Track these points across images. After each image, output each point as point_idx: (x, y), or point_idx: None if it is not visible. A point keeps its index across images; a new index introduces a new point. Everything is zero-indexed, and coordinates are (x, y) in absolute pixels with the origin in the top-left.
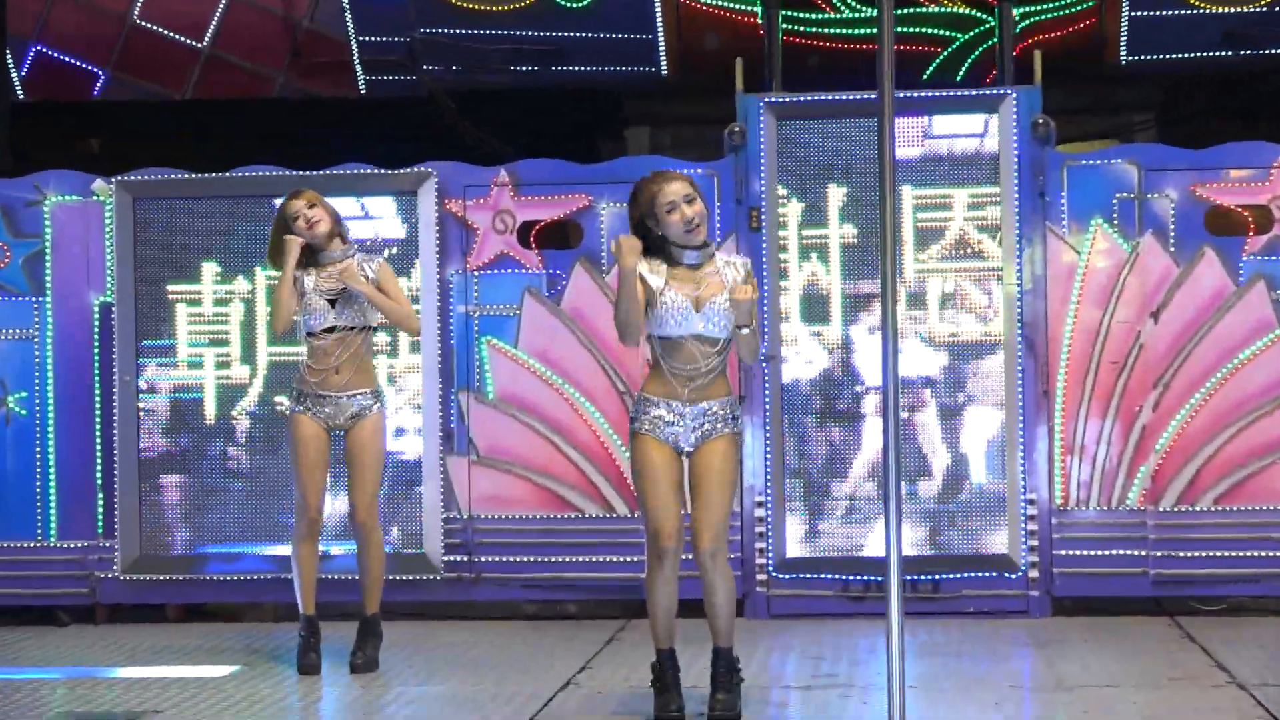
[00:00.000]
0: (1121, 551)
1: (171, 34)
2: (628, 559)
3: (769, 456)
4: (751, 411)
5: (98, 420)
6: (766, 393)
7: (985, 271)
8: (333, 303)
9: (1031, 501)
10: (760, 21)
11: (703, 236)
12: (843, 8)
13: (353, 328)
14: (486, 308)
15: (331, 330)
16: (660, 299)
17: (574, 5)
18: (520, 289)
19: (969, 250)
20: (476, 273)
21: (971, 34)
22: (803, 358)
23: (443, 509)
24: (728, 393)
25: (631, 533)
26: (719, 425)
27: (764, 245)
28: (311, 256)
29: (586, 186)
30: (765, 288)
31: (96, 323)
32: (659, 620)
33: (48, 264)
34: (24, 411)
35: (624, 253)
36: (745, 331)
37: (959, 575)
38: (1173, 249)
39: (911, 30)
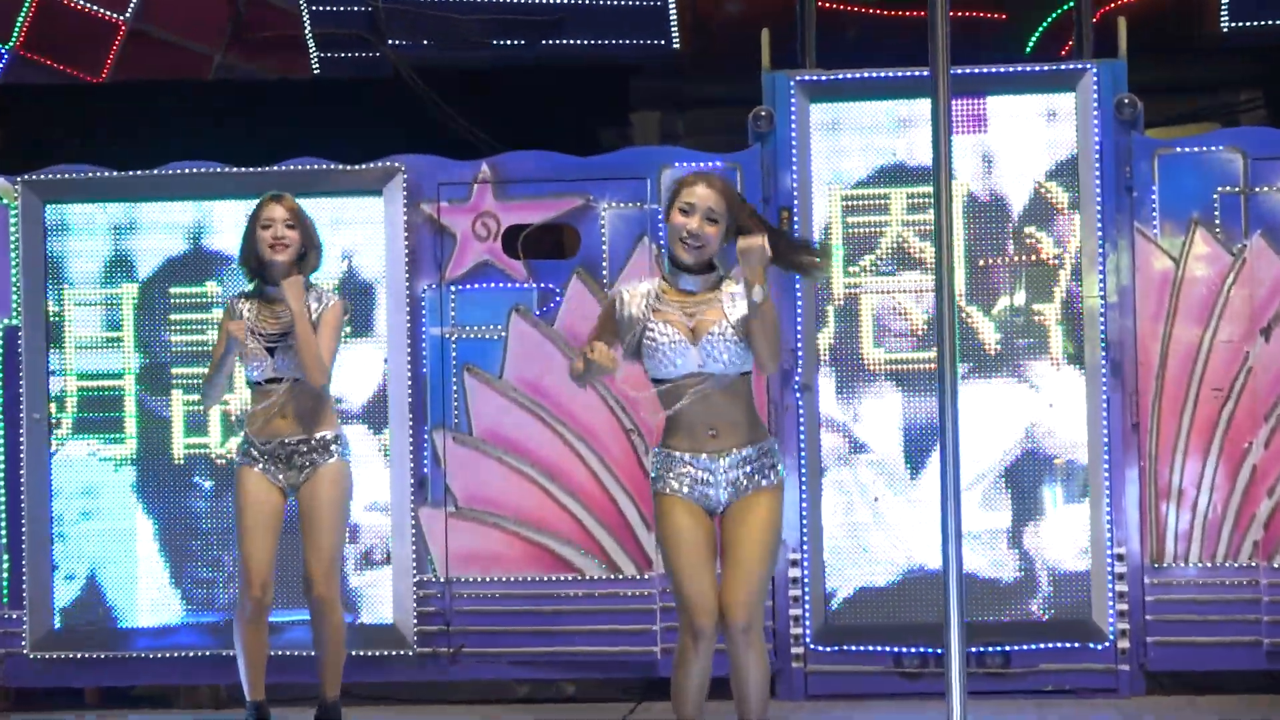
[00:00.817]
0: (1229, 616)
1: (88, 5)
2: (638, 628)
3: (805, 505)
4: (783, 450)
5: (1, 466)
6: (801, 428)
7: (1057, 282)
8: (272, 350)
9: (1120, 557)
10: None
11: (698, 258)
12: None
13: (295, 378)
14: (466, 329)
15: (277, 380)
16: (648, 334)
17: None
18: (506, 307)
19: (1034, 259)
20: (454, 287)
21: None
22: (847, 383)
23: (415, 571)
24: (762, 435)
25: (642, 598)
26: (755, 477)
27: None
28: (260, 285)
29: (584, 183)
30: (798, 304)
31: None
32: (688, 702)
33: None
34: None
35: (593, 357)
36: (759, 297)
37: (1034, 646)
38: None
39: None
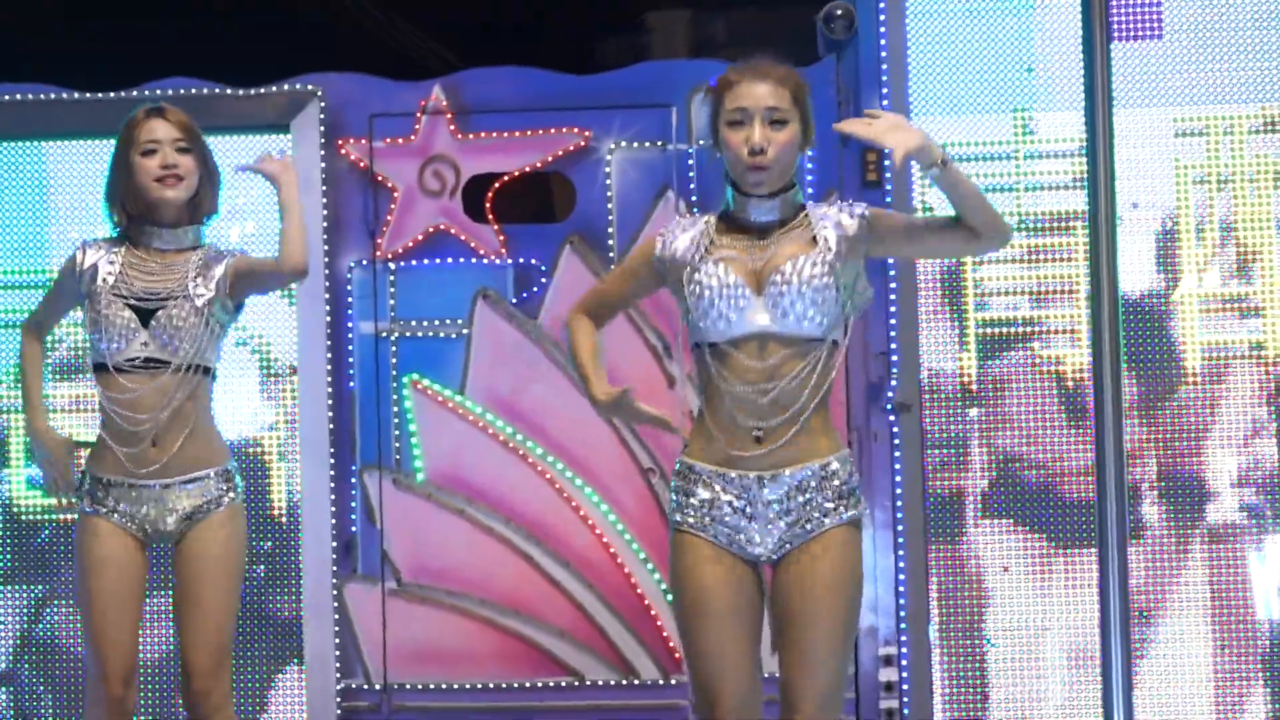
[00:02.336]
0: None
1: None
2: None
3: (902, 579)
4: (872, 498)
5: None
6: (897, 467)
7: None
8: (146, 316)
9: None
10: None
11: (771, 180)
12: None
13: (182, 368)
14: (411, 325)
15: (147, 365)
16: (694, 277)
17: None
18: (469, 292)
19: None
20: (394, 265)
21: None
22: (959, 403)
23: (338, 674)
24: (834, 446)
25: (666, 711)
26: (823, 509)
27: (888, 209)
28: (136, 229)
29: (581, 114)
30: (891, 290)
31: None
32: None
33: None
34: None
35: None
36: (937, 171)
37: None
38: None
39: None
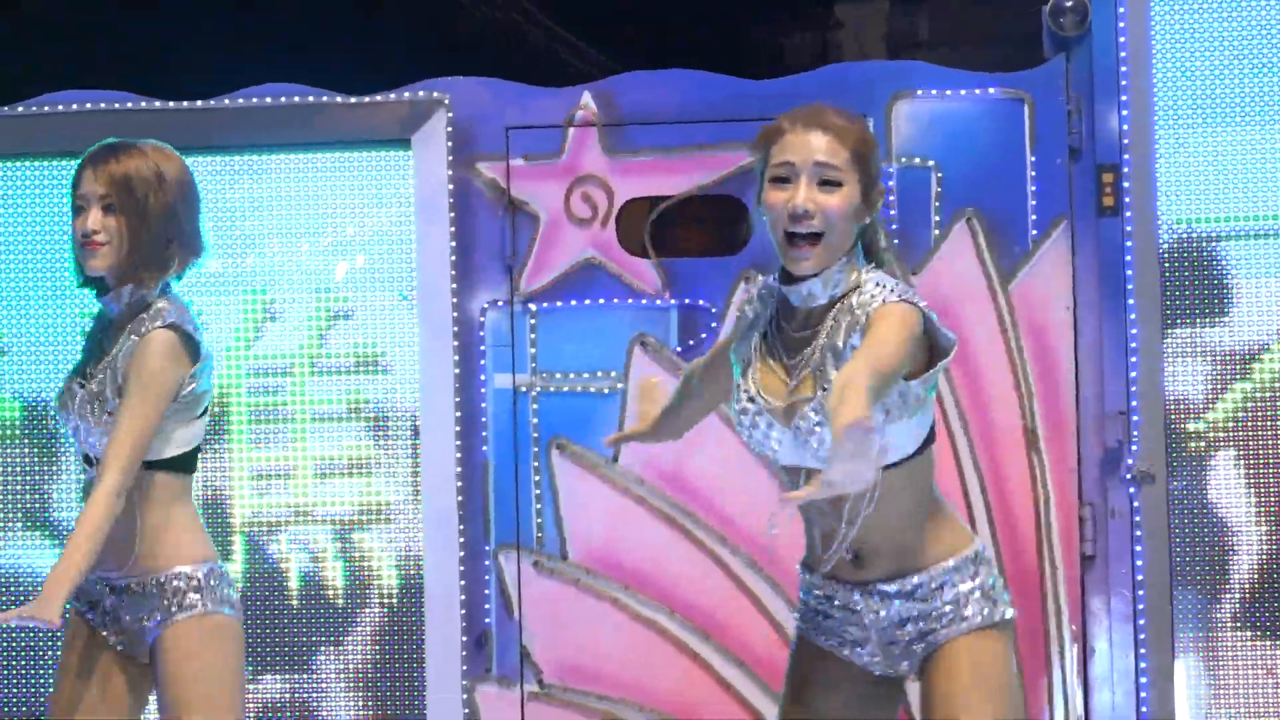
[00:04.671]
0: None
1: None
2: None
3: (1144, 678)
4: (1109, 586)
5: None
6: (1138, 550)
7: None
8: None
9: None
10: None
11: (818, 257)
12: None
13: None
14: (555, 378)
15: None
16: (738, 389)
17: None
18: (625, 338)
19: None
20: (534, 306)
21: None
22: (1217, 472)
23: None
24: (947, 549)
25: None
26: (945, 618)
27: (1128, 243)
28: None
29: (758, 126)
30: (1132, 330)
31: None
32: None
33: None
34: None
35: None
36: (835, 476)
37: None
38: None
39: None
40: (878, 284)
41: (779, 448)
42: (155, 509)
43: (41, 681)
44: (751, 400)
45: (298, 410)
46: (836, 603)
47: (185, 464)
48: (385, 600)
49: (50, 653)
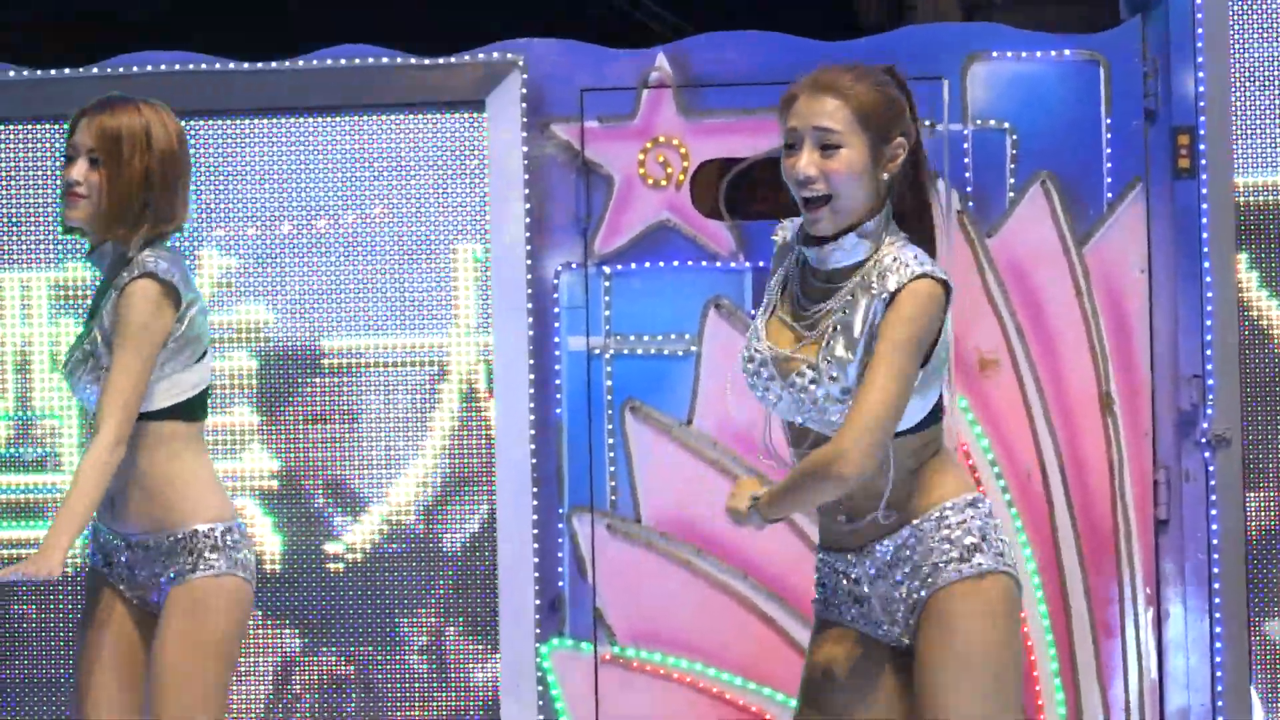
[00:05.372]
0: None
1: None
2: None
3: (1219, 643)
4: (1184, 549)
5: None
6: (1213, 514)
7: None
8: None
9: None
10: None
11: (835, 218)
12: None
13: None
14: (629, 341)
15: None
16: (751, 333)
17: None
18: (699, 301)
19: None
20: (609, 268)
21: None
22: None
23: None
24: (939, 498)
25: None
26: (935, 566)
27: (1203, 206)
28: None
29: None
30: (1206, 291)
31: None
32: None
33: None
34: None
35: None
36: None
37: None
38: None
39: None
40: (896, 258)
41: (775, 401)
42: (166, 461)
43: (40, 684)
44: (757, 349)
45: (370, 372)
46: (840, 572)
47: (191, 411)
48: (459, 563)
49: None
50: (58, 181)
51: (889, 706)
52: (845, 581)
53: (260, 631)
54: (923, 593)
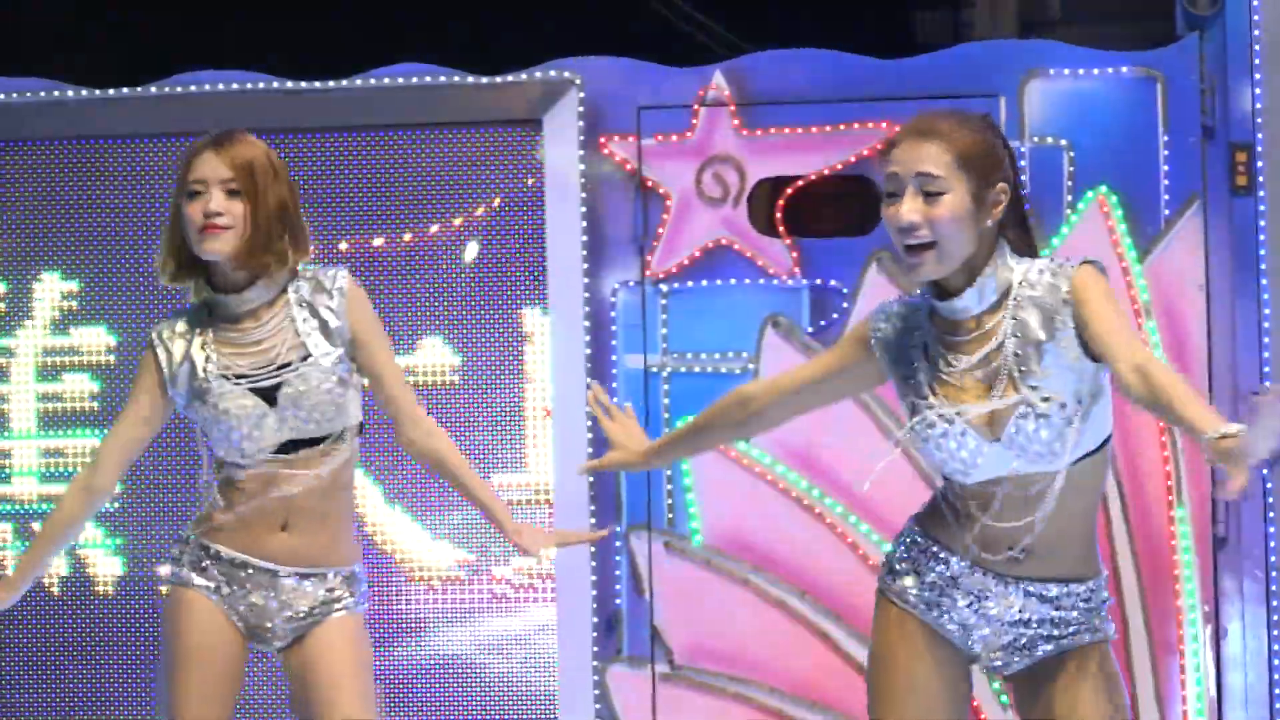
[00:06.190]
0: None
1: None
2: None
3: (1278, 660)
4: (1240, 566)
5: None
6: (1271, 528)
7: None
8: (270, 397)
9: None
10: None
11: (936, 267)
12: None
13: (321, 438)
14: (686, 359)
15: (285, 450)
16: (924, 416)
17: None
18: (757, 318)
19: None
20: (665, 285)
21: None
22: None
23: None
24: (1094, 569)
25: None
26: (1080, 627)
27: (1261, 222)
28: (204, 296)
29: (889, 105)
30: (1266, 297)
31: None
32: None
33: None
34: None
35: None
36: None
37: None
38: None
39: None
40: (1039, 269)
41: (980, 461)
42: (348, 488)
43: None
44: (946, 417)
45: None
46: (964, 587)
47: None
48: (516, 581)
49: None
50: (171, 215)
51: (958, 705)
52: (966, 595)
53: None
54: (1062, 644)
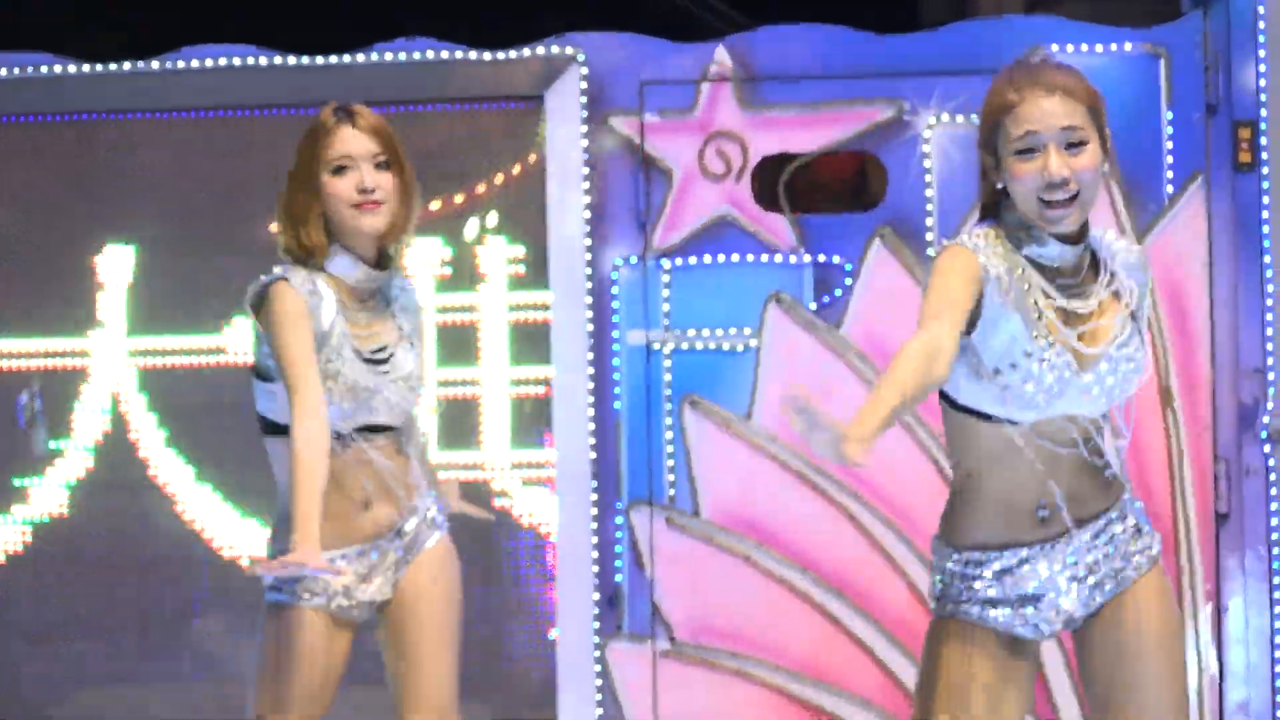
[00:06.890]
0: None
1: None
2: None
3: (1278, 641)
4: (1243, 544)
5: None
6: (1275, 506)
7: None
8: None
9: None
10: None
11: (1077, 219)
12: None
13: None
14: (688, 335)
15: (379, 430)
16: (1027, 355)
17: None
18: (758, 295)
19: None
20: (667, 261)
21: None
22: None
23: None
24: (1124, 487)
25: None
26: (1136, 551)
27: (1264, 200)
28: (320, 264)
29: (893, 81)
30: (1268, 287)
31: None
32: None
33: None
34: None
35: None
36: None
37: None
38: None
39: None
40: (1108, 231)
41: (1064, 400)
42: (423, 448)
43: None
44: (1057, 363)
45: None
46: (1027, 557)
47: None
48: (516, 556)
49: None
50: (290, 192)
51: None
52: (1026, 573)
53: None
54: (1127, 571)
